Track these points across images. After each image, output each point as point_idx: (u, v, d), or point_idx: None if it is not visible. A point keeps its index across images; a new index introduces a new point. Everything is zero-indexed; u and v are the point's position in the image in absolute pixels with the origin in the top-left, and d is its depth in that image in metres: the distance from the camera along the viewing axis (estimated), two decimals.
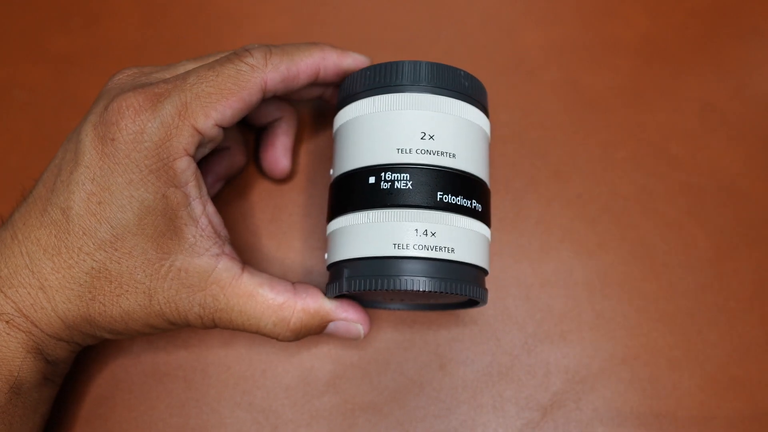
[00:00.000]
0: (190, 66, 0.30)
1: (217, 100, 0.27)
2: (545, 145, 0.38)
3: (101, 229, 0.27)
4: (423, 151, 0.28)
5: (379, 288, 0.27)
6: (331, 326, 0.31)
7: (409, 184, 0.28)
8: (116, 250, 0.27)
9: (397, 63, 0.29)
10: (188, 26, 0.40)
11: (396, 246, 0.27)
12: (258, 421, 0.35)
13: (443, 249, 0.28)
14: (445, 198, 0.28)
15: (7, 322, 0.27)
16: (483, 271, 0.30)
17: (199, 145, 0.28)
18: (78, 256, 0.27)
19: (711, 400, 0.35)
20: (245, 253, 0.37)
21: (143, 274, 0.28)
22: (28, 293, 0.27)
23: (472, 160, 0.29)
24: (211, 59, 0.30)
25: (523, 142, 0.38)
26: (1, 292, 0.27)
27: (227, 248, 0.30)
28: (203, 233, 0.29)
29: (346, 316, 0.31)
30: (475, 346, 0.36)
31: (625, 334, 0.36)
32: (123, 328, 0.29)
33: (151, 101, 0.27)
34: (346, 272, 0.28)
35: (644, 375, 0.36)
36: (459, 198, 0.28)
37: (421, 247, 0.27)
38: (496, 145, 0.38)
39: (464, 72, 0.30)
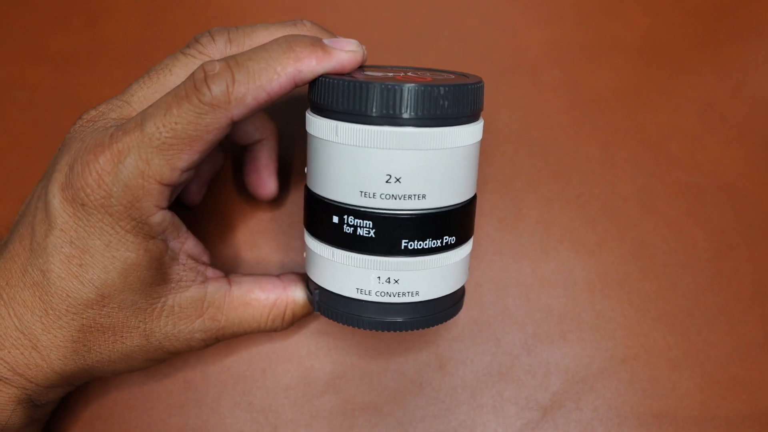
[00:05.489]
0: (138, 90, 0.28)
1: (180, 150, 0.25)
2: (545, 145, 0.38)
3: (85, 290, 0.26)
4: (388, 196, 0.26)
5: (343, 323, 0.28)
6: None
7: (372, 232, 0.26)
8: (104, 306, 0.27)
9: (367, 86, 0.25)
10: (188, 26, 0.40)
11: (359, 291, 0.27)
12: (258, 421, 0.35)
13: (407, 294, 0.27)
14: (411, 245, 0.26)
15: None
16: (455, 293, 0.29)
17: (172, 191, 0.27)
18: (66, 316, 0.27)
19: (711, 400, 0.35)
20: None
21: (137, 320, 0.28)
22: (22, 354, 0.27)
23: (448, 191, 0.27)
24: (163, 64, 0.28)
25: (523, 142, 0.38)
26: None
27: (210, 271, 0.30)
28: (185, 268, 0.28)
29: None
30: (475, 346, 0.36)
31: (625, 334, 0.36)
32: (123, 367, 0.29)
33: (111, 162, 0.25)
34: (317, 295, 0.29)
35: (644, 375, 0.36)
36: (427, 241, 0.27)
37: (383, 294, 0.27)
38: (496, 145, 0.38)
39: (444, 88, 0.25)
